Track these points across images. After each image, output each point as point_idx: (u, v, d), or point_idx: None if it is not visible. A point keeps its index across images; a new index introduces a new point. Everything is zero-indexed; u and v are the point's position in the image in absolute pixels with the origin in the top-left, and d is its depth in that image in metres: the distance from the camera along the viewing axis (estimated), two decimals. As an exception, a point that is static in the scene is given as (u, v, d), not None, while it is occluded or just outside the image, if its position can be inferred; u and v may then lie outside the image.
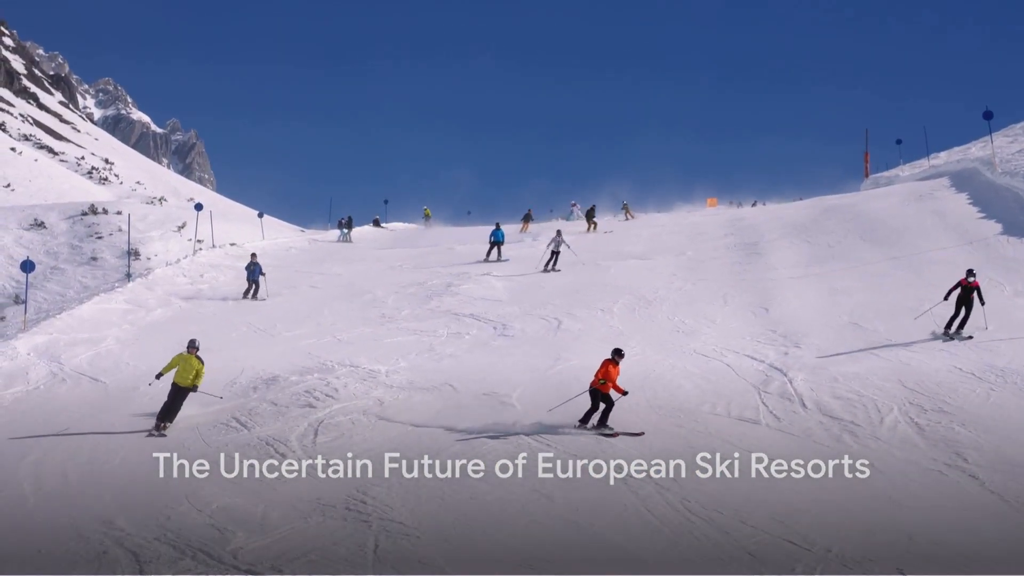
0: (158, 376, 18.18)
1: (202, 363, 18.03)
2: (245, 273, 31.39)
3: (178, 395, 17.71)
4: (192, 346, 18.16)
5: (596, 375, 16.74)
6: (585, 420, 16.58)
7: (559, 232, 33.59)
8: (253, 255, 32.18)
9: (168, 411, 17.58)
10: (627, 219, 48.39)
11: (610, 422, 16.47)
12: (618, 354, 17.02)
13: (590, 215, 43.80)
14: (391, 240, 47.64)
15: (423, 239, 46.15)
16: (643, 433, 16.14)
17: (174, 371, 17.98)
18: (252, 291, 30.84)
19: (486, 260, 35.08)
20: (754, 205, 54.66)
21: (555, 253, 32.66)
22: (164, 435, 16.96)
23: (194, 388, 17.85)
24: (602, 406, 16.58)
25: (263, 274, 31.15)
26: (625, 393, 16.71)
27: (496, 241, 35.78)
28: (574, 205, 55.99)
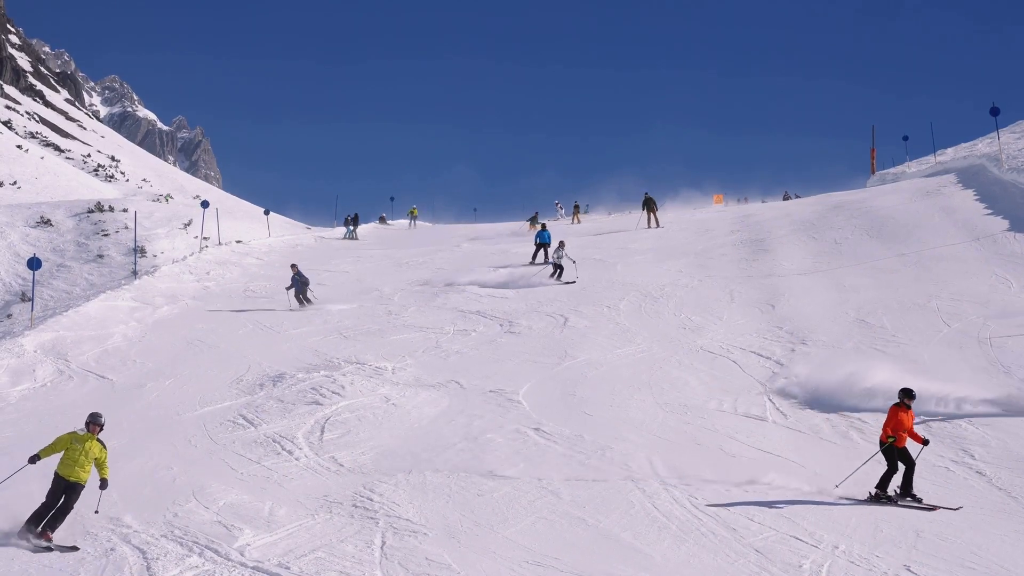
0: (34, 459, 12.39)
1: (105, 448, 12.64)
2: (292, 286, 28.67)
3: (68, 493, 12.23)
4: (94, 422, 12.58)
5: (884, 428, 13.52)
6: (883, 487, 13.32)
7: (562, 244, 30.90)
8: (293, 266, 29.68)
9: (44, 514, 12.04)
10: (574, 223, 48.06)
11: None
12: (907, 396, 13.60)
13: (651, 205, 41.48)
14: (397, 237, 47.70)
15: (431, 237, 46.20)
16: (961, 507, 12.94)
17: (58, 457, 12.49)
18: (304, 302, 28.50)
19: (531, 263, 33.07)
20: (786, 198, 54.10)
21: (557, 266, 30.15)
22: (50, 547, 11.70)
23: (102, 484, 12.43)
24: (902, 467, 13.38)
25: (305, 283, 28.83)
26: (926, 443, 13.55)
27: (543, 243, 33.46)
28: (558, 205, 55.75)
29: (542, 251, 33.28)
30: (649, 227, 40.60)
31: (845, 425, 16.37)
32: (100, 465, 12.55)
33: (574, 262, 30.13)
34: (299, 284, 28.76)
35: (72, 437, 12.51)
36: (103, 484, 12.49)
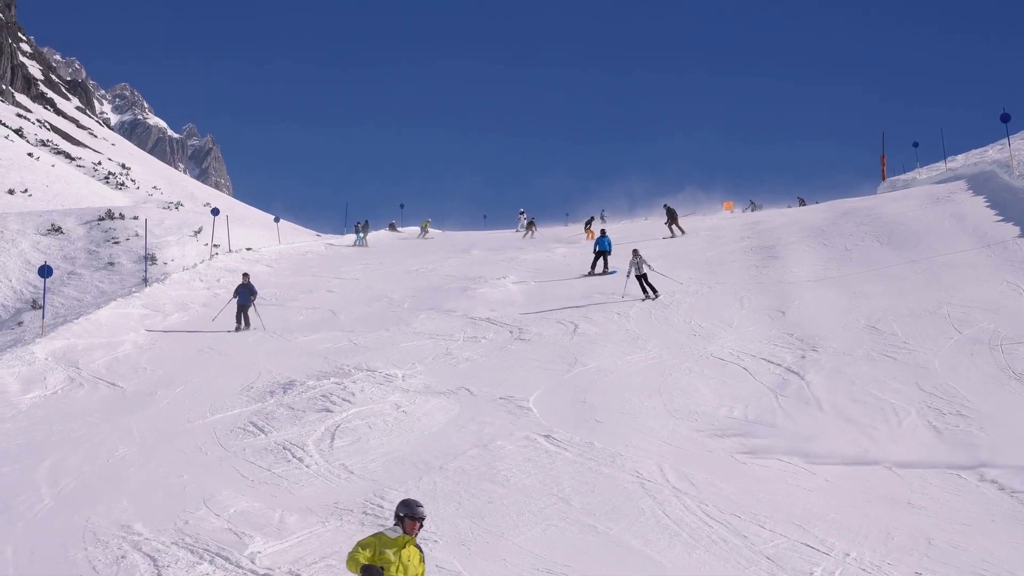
0: (375, 573, 8.45)
1: (424, 559, 8.95)
2: (236, 298, 27.03)
3: None
4: (411, 515, 8.81)
5: None
6: None
7: (636, 252, 27.51)
8: (245, 275, 28.10)
9: None
10: (528, 235, 47.72)
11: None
12: None
13: (673, 216, 40.39)
14: (407, 245, 47.77)
15: (439, 244, 46.25)
16: None
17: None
18: (242, 322, 26.69)
19: (591, 274, 31.65)
20: (803, 204, 53.95)
21: (641, 278, 27.01)
22: None
23: None
24: None
25: (253, 295, 27.16)
26: None
27: (602, 250, 31.72)
28: (522, 214, 55.45)
29: (601, 260, 31.74)
30: (674, 236, 39.71)
31: (856, 432, 16.31)
32: None
33: (651, 268, 27.39)
34: (245, 294, 26.92)
35: (380, 541, 8.66)
36: None
